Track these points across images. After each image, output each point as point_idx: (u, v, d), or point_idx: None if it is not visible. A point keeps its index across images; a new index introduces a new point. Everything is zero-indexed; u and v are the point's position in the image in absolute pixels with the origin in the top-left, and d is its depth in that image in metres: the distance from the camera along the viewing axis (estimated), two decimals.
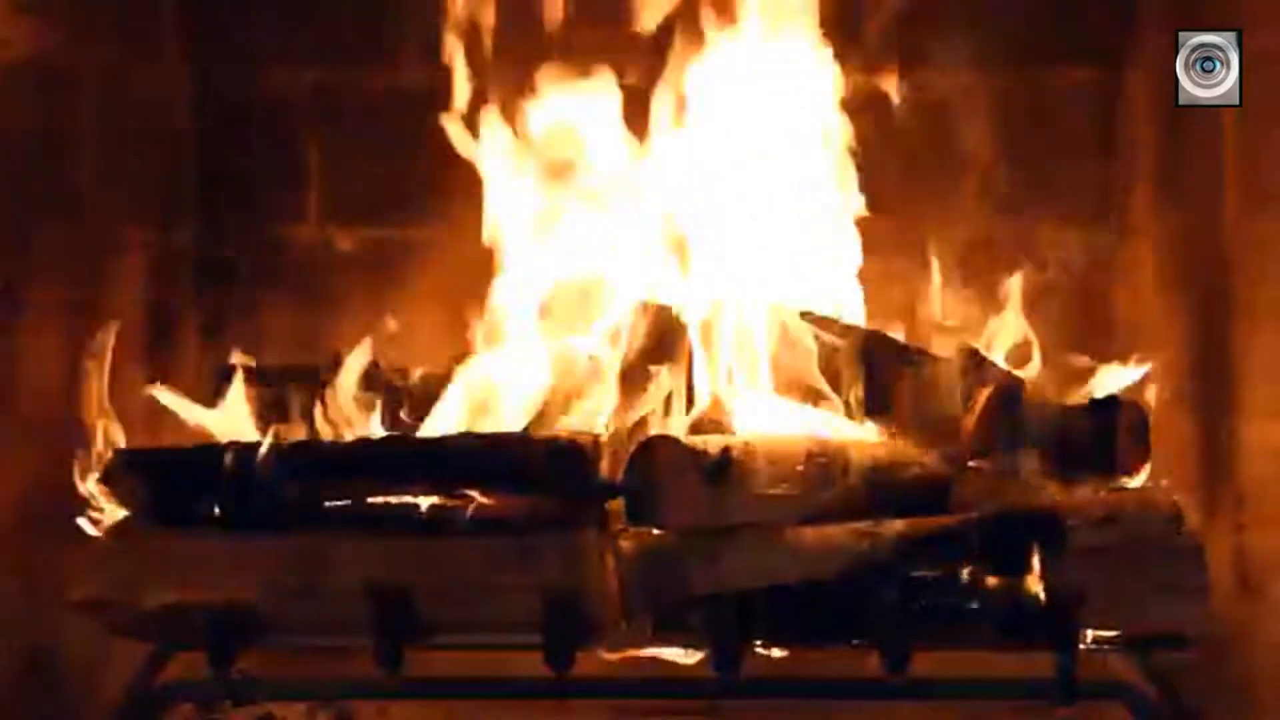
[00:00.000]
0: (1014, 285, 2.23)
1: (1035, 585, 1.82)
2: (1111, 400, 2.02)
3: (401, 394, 2.16)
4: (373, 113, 2.59)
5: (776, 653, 1.89)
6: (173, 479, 1.94)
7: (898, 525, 1.86)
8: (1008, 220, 2.38)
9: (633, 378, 2.09)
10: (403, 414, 2.17)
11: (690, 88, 2.28)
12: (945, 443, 1.98)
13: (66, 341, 2.17)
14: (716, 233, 2.23)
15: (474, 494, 1.88)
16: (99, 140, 2.33)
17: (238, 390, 2.11)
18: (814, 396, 2.04)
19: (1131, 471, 2.00)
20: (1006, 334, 2.20)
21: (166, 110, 2.56)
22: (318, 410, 2.11)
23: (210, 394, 2.14)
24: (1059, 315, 2.29)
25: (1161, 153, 2.45)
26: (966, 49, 2.51)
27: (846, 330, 2.08)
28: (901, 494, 1.92)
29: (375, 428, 2.09)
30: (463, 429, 2.05)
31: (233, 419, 2.09)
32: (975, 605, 1.84)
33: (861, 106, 2.33)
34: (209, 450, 1.97)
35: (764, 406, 2.08)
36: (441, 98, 2.35)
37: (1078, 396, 2.06)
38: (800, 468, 1.89)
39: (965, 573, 1.84)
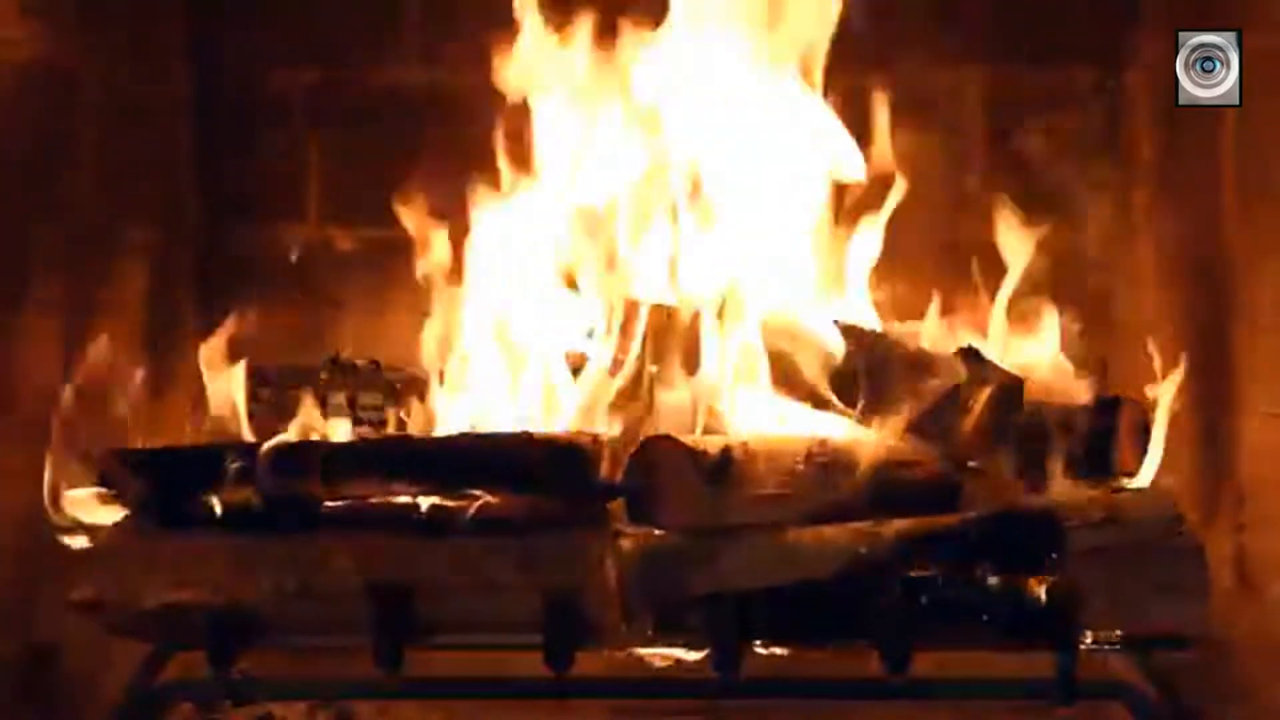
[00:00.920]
0: (1013, 285, 2.23)
1: (1035, 585, 1.82)
2: (1112, 400, 2.02)
3: (401, 394, 2.16)
4: (373, 113, 2.59)
5: (776, 653, 1.89)
6: (173, 479, 1.94)
7: (898, 525, 1.86)
8: (1007, 220, 2.37)
9: (631, 377, 2.09)
10: (402, 414, 2.18)
11: (688, 86, 2.29)
12: (945, 443, 1.98)
13: (66, 341, 2.17)
14: (716, 232, 2.23)
15: (474, 494, 1.87)
16: (99, 140, 2.33)
17: (238, 390, 2.11)
18: (814, 397, 2.04)
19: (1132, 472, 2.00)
20: (1006, 334, 2.20)
21: (166, 111, 2.56)
22: (317, 410, 2.11)
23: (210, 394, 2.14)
24: (1059, 315, 2.28)
25: (1161, 153, 2.45)
26: (966, 48, 2.51)
27: (847, 331, 2.08)
28: (901, 494, 1.92)
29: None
30: (463, 429, 2.06)
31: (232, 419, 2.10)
32: (975, 605, 1.84)
33: (860, 106, 2.33)
34: (209, 450, 1.97)
35: (764, 406, 2.08)
36: (440, 98, 2.35)
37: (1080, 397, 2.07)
38: (800, 468, 1.89)
39: (965, 573, 1.84)
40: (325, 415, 2.13)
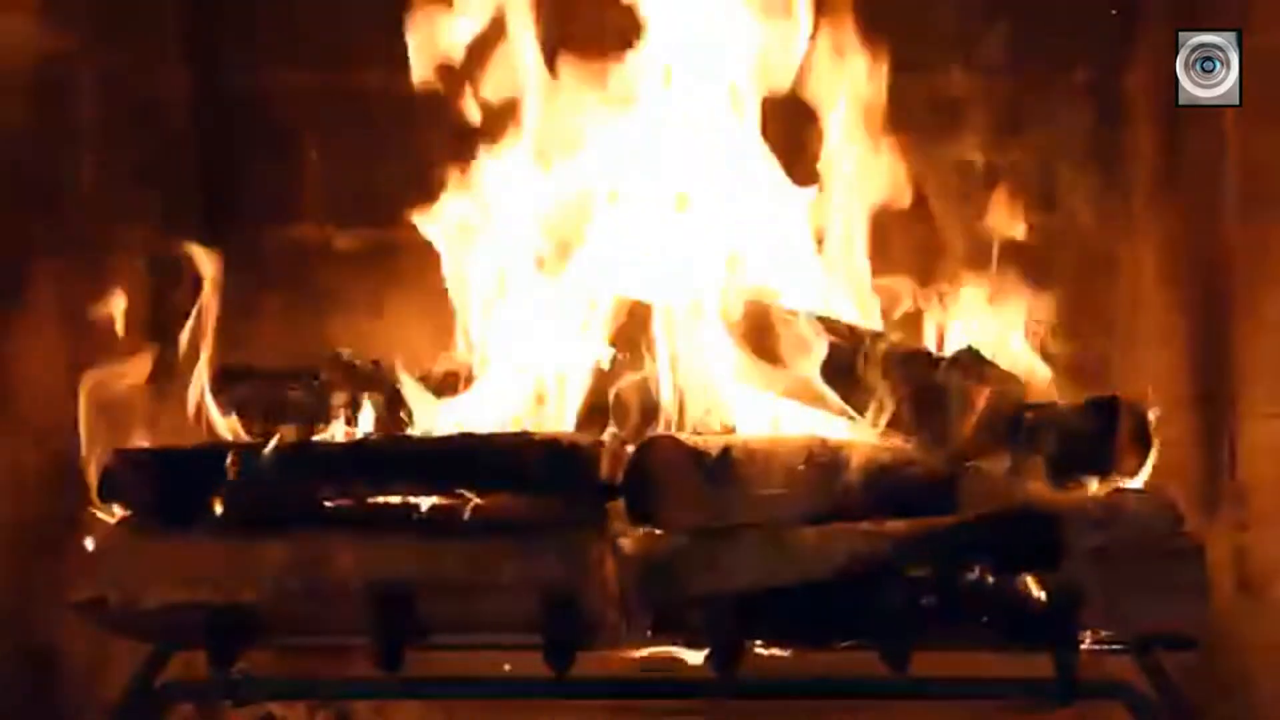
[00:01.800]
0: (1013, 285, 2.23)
1: (1035, 585, 1.82)
2: (1111, 400, 2.02)
3: (400, 394, 2.16)
4: (372, 113, 2.59)
5: (776, 653, 1.89)
6: (173, 479, 1.94)
7: (898, 525, 1.86)
8: (1006, 220, 2.37)
9: (630, 378, 2.09)
10: (402, 414, 2.18)
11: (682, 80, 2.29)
12: (945, 443, 1.98)
13: (66, 341, 2.17)
14: (712, 232, 2.24)
15: (474, 494, 1.87)
16: (99, 140, 2.33)
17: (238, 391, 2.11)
18: (814, 397, 2.04)
19: (1131, 472, 2.00)
20: (1005, 335, 2.20)
21: (166, 110, 2.56)
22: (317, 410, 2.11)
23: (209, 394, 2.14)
24: (1059, 315, 2.28)
25: (1161, 153, 2.45)
26: (966, 48, 2.51)
27: (847, 331, 2.08)
28: (901, 494, 1.92)
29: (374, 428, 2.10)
30: (462, 429, 2.06)
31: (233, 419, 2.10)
32: (975, 605, 1.84)
33: (859, 106, 2.33)
34: (209, 450, 1.97)
35: (764, 406, 2.08)
36: (440, 97, 2.35)
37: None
38: (800, 468, 1.89)
39: (965, 573, 1.84)
40: (325, 415, 2.13)
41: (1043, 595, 1.82)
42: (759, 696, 1.98)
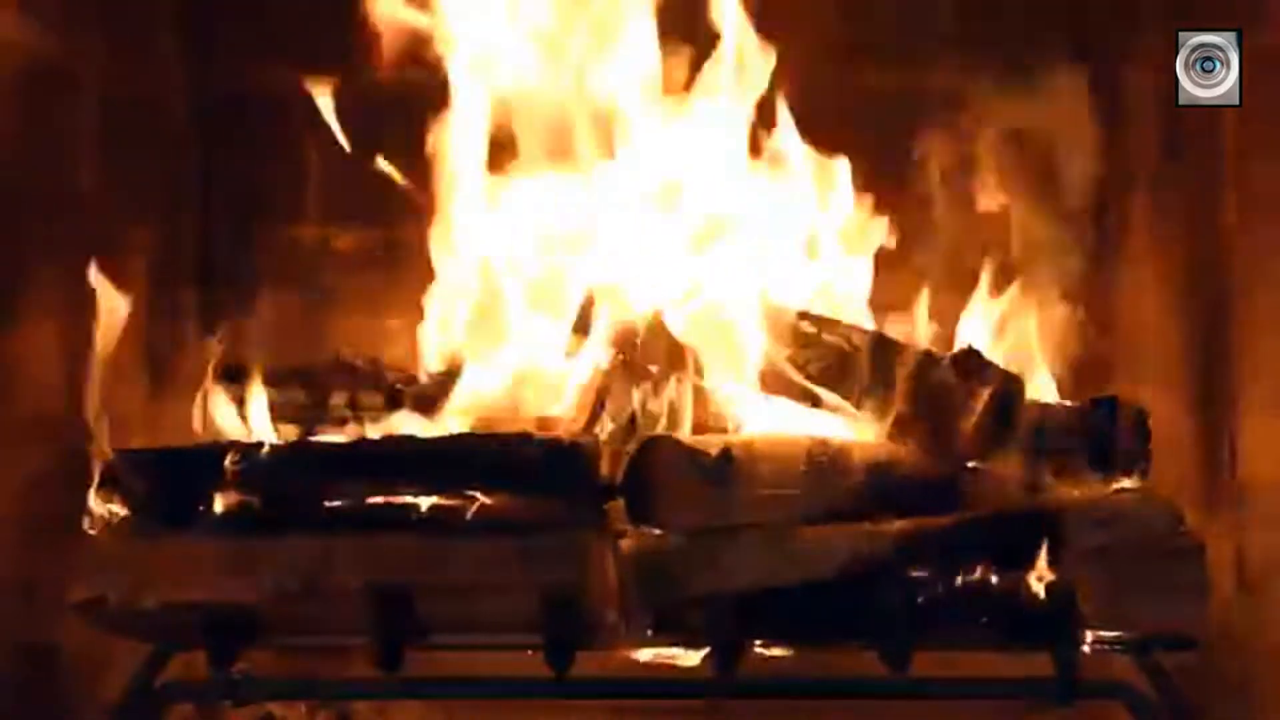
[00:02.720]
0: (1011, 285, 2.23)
1: (1035, 585, 1.82)
2: (1111, 400, 2.02)
3: (401, 394, 2.16)
4: (372, 113, 2.59)
5: (776, 653, 1.89)
6: (173, 479, 1.94)
7: (898, 525, 1.86)
8: (1006, 219, 2.37)
9: (630, 378, 2.09)
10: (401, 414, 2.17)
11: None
12: (945, 443, 1.98)
13: (66, 341, 2.17)
14: (712, 231, 2.24)
15: (474, 494, 1.87)
16: (99, 140, 2.33)
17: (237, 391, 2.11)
18: (814, 397, 2.04)
19: (1131, 472, 2.00)
20: (1005, 335, 2.20)
21: (166, 110, 2.56)
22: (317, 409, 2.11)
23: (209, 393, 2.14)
24: (1059, 315, 2.28)
25: (1161, 153, 2.45)
26: (965, 48, 2.51)
27: (847, 330, 2.08)
28: (901, 494, 1.92)
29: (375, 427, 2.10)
30: (462, 429, 2.06)
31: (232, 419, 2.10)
32: (975, 605, 1.84)
33: (856, 105, 2.33)
34: (209, 450, 1.97)
35: (764, 406, 2.08)
36: (439, 97, 2.35)
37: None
38: (800, 468, 1.89)
39: (966, 573, 1.84)
40: (325, 415, 2.13)
41: (1043, 595, 1.82)
42: (759, 696, 1.98)
